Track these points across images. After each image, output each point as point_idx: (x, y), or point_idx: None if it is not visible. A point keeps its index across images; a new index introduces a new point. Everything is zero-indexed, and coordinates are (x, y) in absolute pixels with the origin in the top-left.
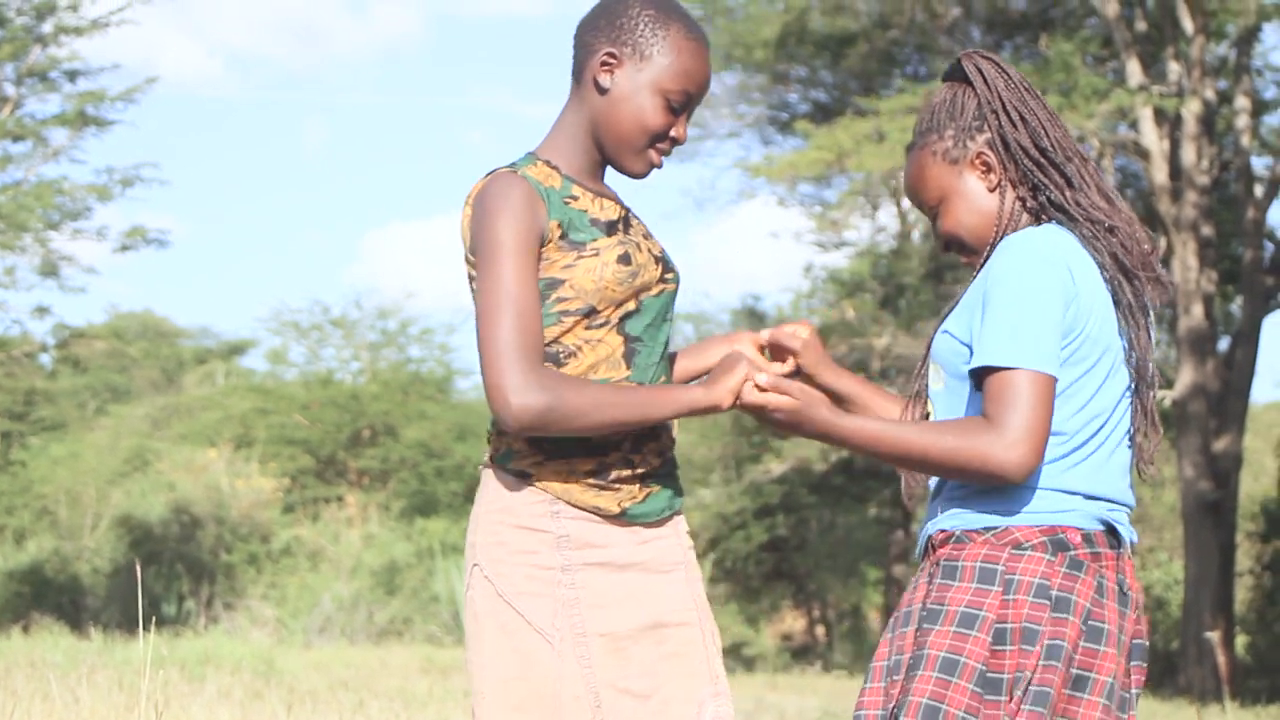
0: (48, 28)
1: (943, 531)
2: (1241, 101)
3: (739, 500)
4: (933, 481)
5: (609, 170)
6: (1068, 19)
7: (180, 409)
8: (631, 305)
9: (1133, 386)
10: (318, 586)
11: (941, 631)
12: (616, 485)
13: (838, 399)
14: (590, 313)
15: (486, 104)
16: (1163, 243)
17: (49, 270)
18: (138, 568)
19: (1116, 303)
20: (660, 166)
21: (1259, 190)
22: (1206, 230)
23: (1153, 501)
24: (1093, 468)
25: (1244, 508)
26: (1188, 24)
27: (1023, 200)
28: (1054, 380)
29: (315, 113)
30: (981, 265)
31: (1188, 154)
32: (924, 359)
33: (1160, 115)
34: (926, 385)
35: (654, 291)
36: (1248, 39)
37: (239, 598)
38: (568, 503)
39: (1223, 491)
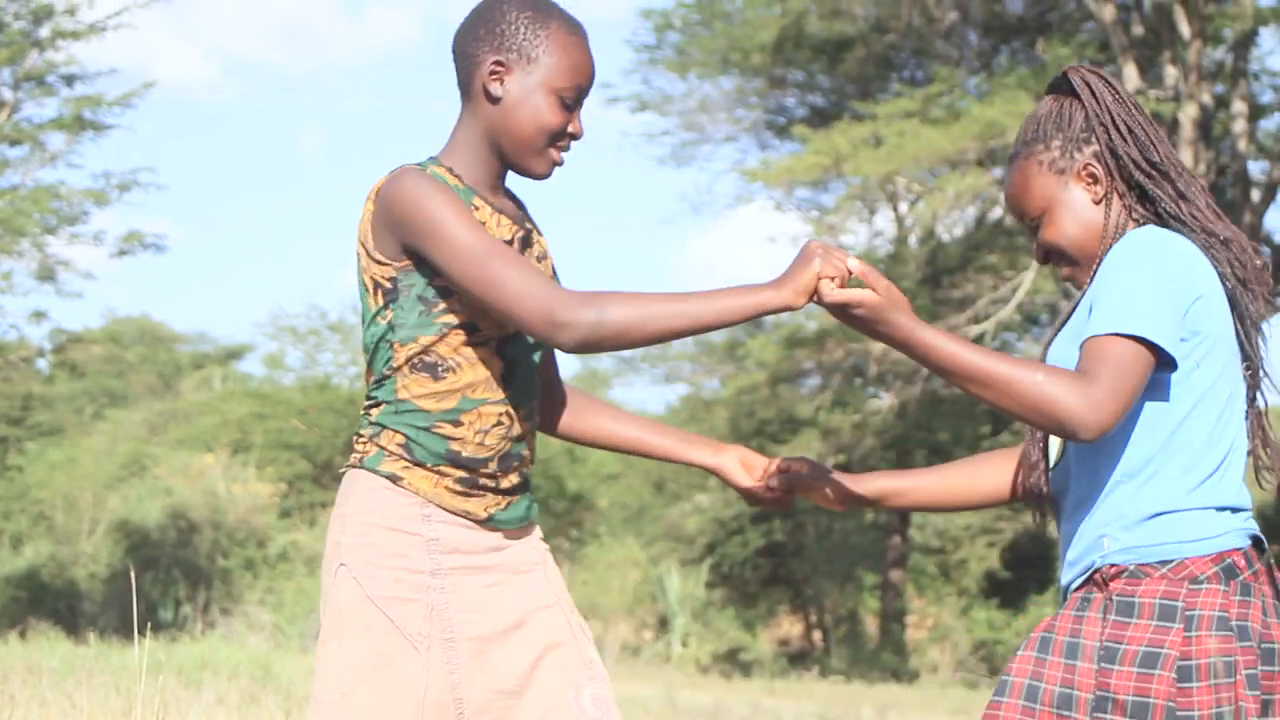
0: (45, 32)
1: (1114, 566)
2: (1238, 106)
3: (736, 505)
4: (1075, 492)
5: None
6: (1064, 23)
7: (177, 414)
8: (510, 328)
9: (1249, 398)
10: (314, 592)
11: (1123, 673)
12: (482, 493)
13: (871, 504)
14: (473, 329)
15: None
16: None
17: (46, 275)
18: (132, 574)
19: (1235, 311)
20: (561, 164)
21: (1256, 194)
22: None
23: None
24: (1232, 478)
25: None
26: (1184, 28)
27: (1129, 210)
28: (1157, 352)
29: (312, 117)
30: (1091, 278)
31: (1184, 158)
32: (1044, 357)
33: (1157, 120)
34: None
35: None
36: (1244, 43)
37: (236, 603)
38: (438, 506)
39: None
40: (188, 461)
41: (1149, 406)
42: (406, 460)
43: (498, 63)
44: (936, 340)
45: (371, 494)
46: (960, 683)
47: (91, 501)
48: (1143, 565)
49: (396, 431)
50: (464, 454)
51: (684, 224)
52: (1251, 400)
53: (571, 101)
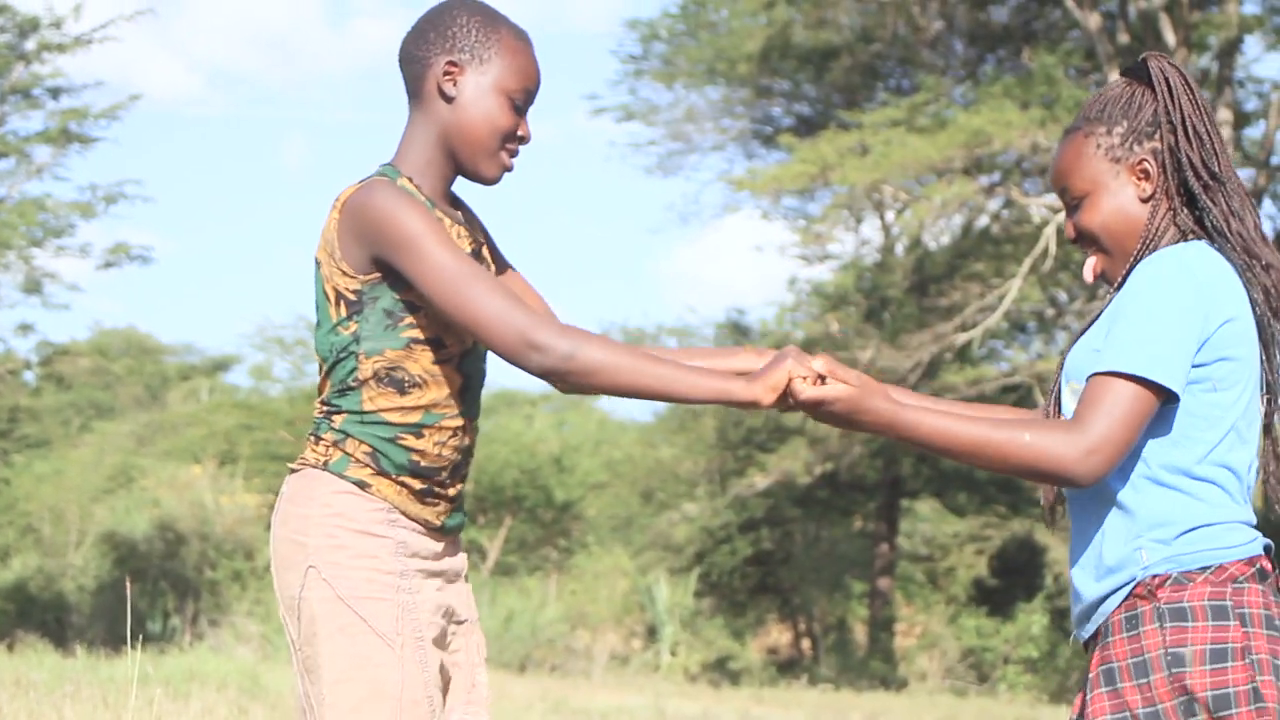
0: (31, 45)
1: (1156, 576)
2: (1223, 113)
3: (724, 514)
4: (1094, 502)
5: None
6: (1050, 32)
7: (164, 426)
8: (469, 342)
9: (1266, 424)
10: None
11: (1197, 673)
12: (436, 500)
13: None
14: (438, 345)
15: None
16: None
17: (32, 287)
18: (128, 585)
19: (1261, 337)
20: (510, 169)
21: None
22: None
23: None
24: (1248, 496)
25: None
26: (1170, 36)
27: (1174, 214)
28: (1161, 395)
29: (296, 129)
30: (1123, 280)
31: None
32: (1057, 377)
33: None
34: (1058, 403)
35: None
36: (1229, 51)
37: (224, 614)
38: (402, 512)
39: None
40: (175, 473)
41: (1183, 423)
42: (373, 468)
43: (451, 63)
44: (920, 420)
45: (339, 498)
46: (948, 690)
47: (79, 513)
48: (1185, 572)
49: (362, 441)
50: (423, 464)
51: (671, 233)
52: (1267, 427)
53: (520, 104)
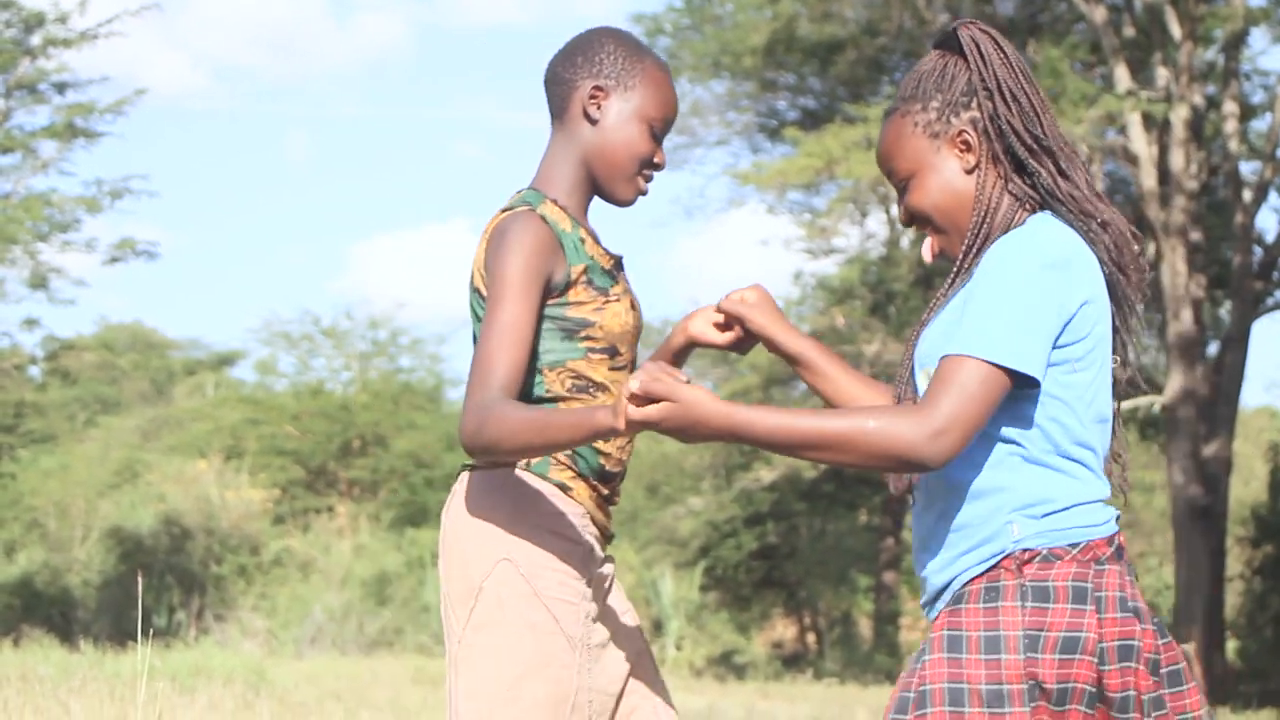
0: (36, 40)
1: (1027, 550)
2: (1229, 106)
3: (729, 508)
4: (957, 479)
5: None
6: (1056, 24)
7: (170, 420)
8: (633, 351)
9: (1114, 392)
10: (308, 597)
11: (1047, 660)
12: (610, 508)
13: (791, 360)
14: (613, 353)
15: (472, 115)
16: (1151, 248)
17: (38, 282)
18: (139, 580)
19: (1113, 298)
20: (646, 194)
21: (1247, 195)
22: (1195, 235)
23: (1143, 507)
24: (1102, 474)
25: (1234, 513)
26: (1175, 29)
27: (1005, 181)
28: (1013, 378)
29: (302, 124)
30: (963, 261)
31: (1176, 159)
32: (909, 364)
33: (1149, 120)
34: (914, 389)
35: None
36: (1235, 44)
37: (230, 609)
38: (592, 519)
39: (1213, 497)
40: (181, 468)
41: (1048, 404)
42: (573, 470)
43: (597, 88)
44: (758, 417)
45: (542, 499)
46: None
47: (84, 508)
48: (1054, 549)
49: None
50: (608, 468)
51: (676, 227)
52: (1116, 395)
53: (659, 132)
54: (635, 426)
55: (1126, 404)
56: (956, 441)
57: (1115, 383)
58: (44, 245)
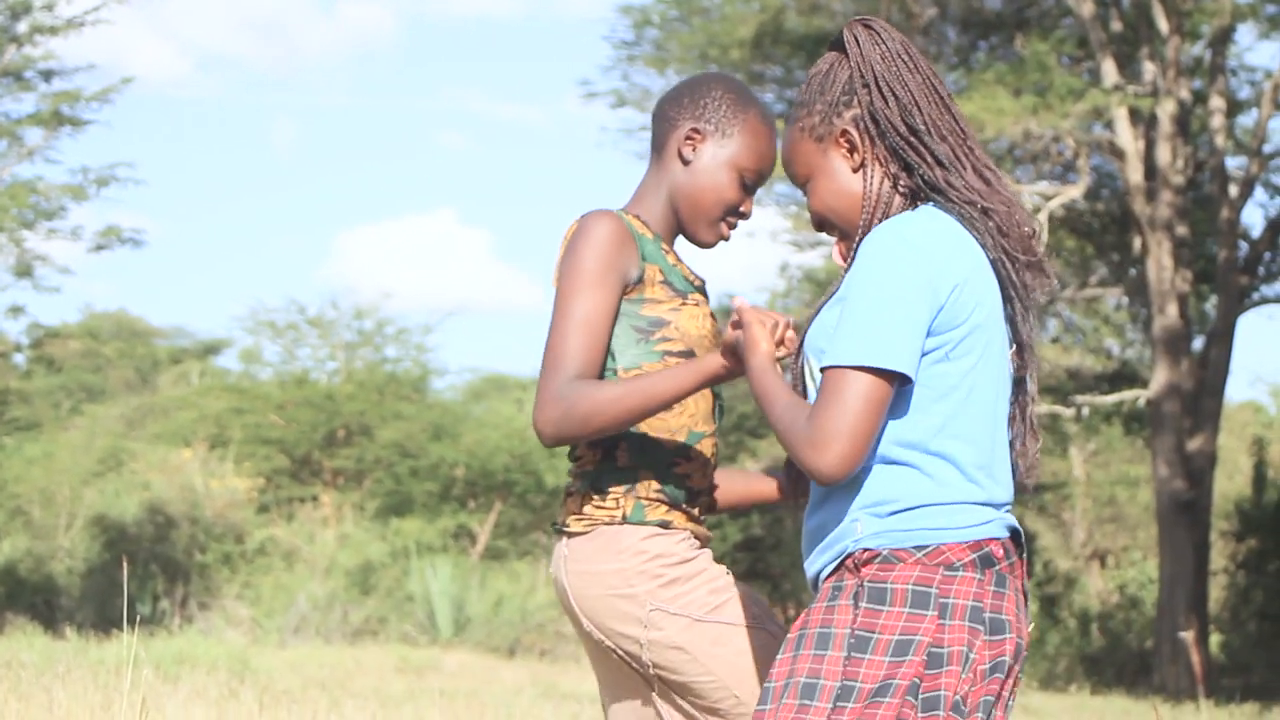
0: (22, 27)
1: (867, 550)
2: (1216, 101)
3: None
4: (833, 491)
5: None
6: (1043, 19)
7: (155, 409)
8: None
9: (1014, 382)
10: (293, 586)
11: (874, 662)
12: (704, 521)
13: None
14: (690, 355)
15: (458, 105)
16: (1138, 242)
17: (23, 270)
18: (124, 568)
19: (1003, 288)
20: (728, 239)
21: (1233, 190)
22: (1181, 230)
23: (1128, 501)
24: (997, 472)
25: (1218, 507)
26: (1163, 24)
27: (894, 180)
28: (895, 379)
29: (288, 113)
30: (855, 253)
31: (1163, 154)
32: (800, 351)
33: (1135, 115)
34: (803, 383)
35: None
36: (1222, 39)
37: (214, 597)
38: (696, 537)
39: (1197, 491)
40: (165, 456)
41: (913, 395)
42: (666, 504)
43: (694, 130)
44: (766, 380)
45: (648, 542)
46: None
47: (69, 496)
48: (896, 550)
49: (649, 478)
50: (695, 488)
51: None
52: (1019, 385)
53: (750, 184)
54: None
55: (1112, 397)
56: (846, 454)
57: (1022, 375)
58: (29, 233)
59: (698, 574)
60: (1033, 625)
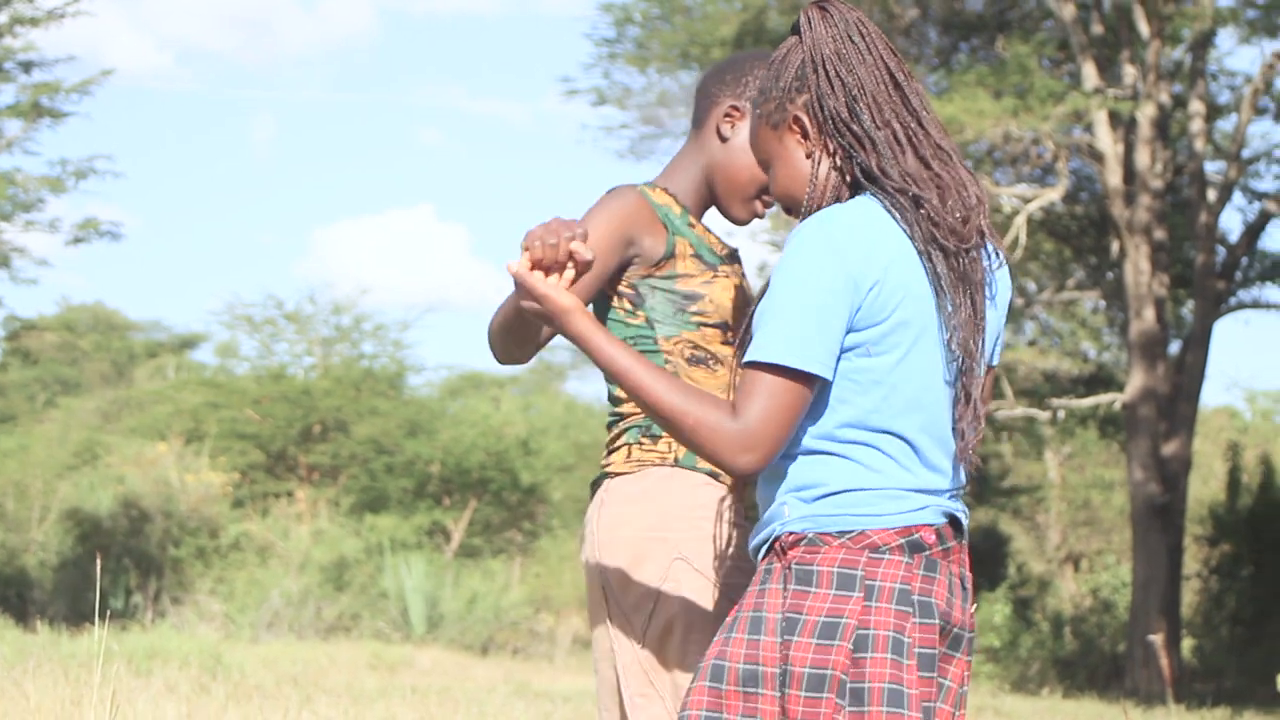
0: (3, 18)
1: (793, 534)
2: (1196, 106)
3: None
4: (767, 475)
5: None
6: (1024, 21)
7: (130, 402)
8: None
9: (954, 368)
10: (266, 582)
11: (802, 644)
12: (746, 488)
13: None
14: (724, 328)
15: (438, 101)
16: (1115, 246)
17: (0, 262)
18: (98, 563)
19: (930, 278)
20: (762, 216)
21: (1212, 194)
22: (1159, 234)
23: (1102, 504)
24: (933, 460)
25: (1192, 511)
26: (1143, 28)
27: (839, 168)
28: (813, 379)
29: (267, 108)
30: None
31: (1142, 157)
32: (746, 327)
33: (1115, 119)
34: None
35: None
36: (1202, 44)
37: (187, 592)
38: (737, 497)
39: (1171, 495)
40: (140, 450)
41: (836, 386)
42: None
43: (734, 107)
44: (611, 351)
45: (698, 490)
46: None
47: (42, 489)
48: (822, 534)
49: None
50: None
51: None
52: (958, 374)
53: None
54: (521, 294)
55: (1088, 401)
56: (769, 454)
57: (962, 361)
58: (7, 224)
59: (733, 542)
60: (975, 608)
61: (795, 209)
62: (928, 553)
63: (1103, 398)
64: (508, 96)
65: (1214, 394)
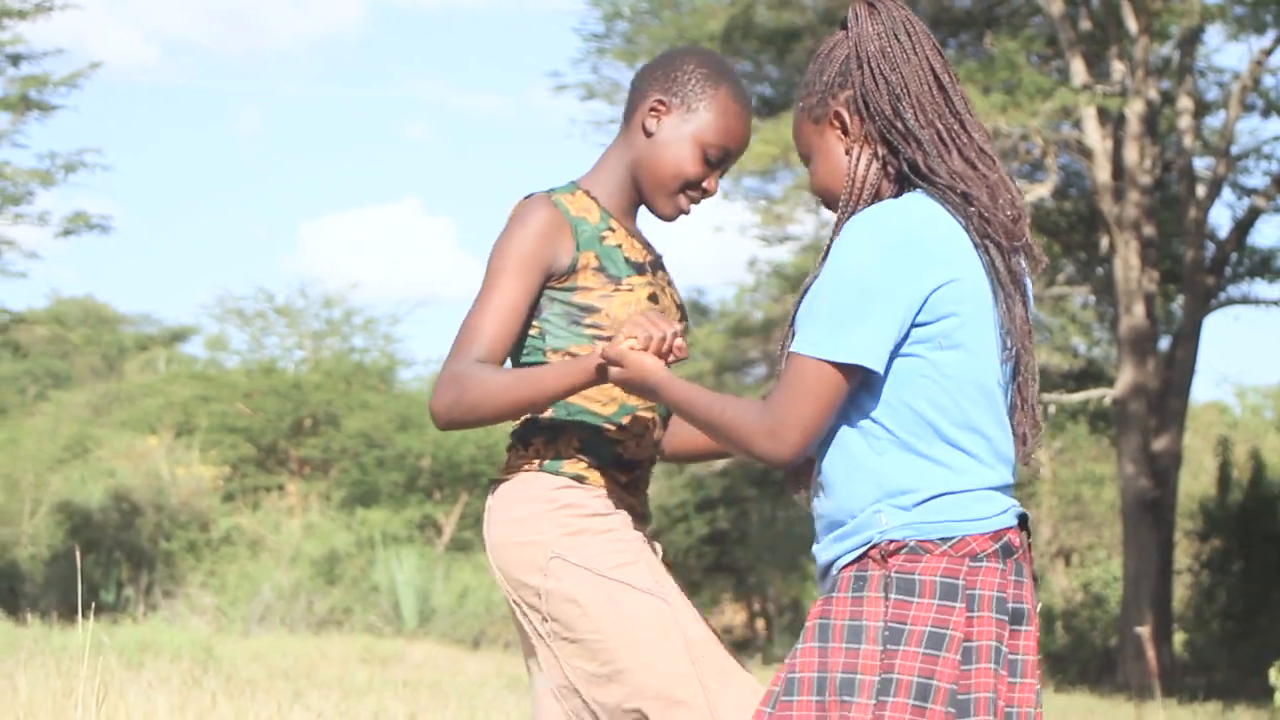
0: None
1: (893, 541)
2: (1184, 102)
3: (680, 493)
4: (837, 465)
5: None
6: (1013, 17)
7: (121, 396)
8: None
9: (1011, 369)
10: (258, 575)
11: (909, 653)
12: (639, 493)
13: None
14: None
15: (425, 96)
16: (1105, 241)
17: None
18: (78, 555)
19: (988, 275)
20: (688, 213)
21: (1200, 190)
22: (1148, 230)
23: (1093, 499)
24: (1004, 452)
25: (1183, 506)
26: (1132, 24)
27: (883, 163)
28: (850, 371)
29: (254, 101)
30: (834, 235)
31: (1130, 154)
32: (789, 327)
33: (1104, 115)
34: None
35: None
36: (1191, 40)
37: (178, 585)
38: (615, 502)
39: (1162, 490)
40: (131, 443)
41: (911, 383)
42: (586, 461)
43: (660, 102)
44: (678, 386)
45: (560, 492)
46: None
47: (33, 483)
48: (923, 541)
49: (572, 435)
50: (625, 456)
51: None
52: (1016, 372)
53: (715, 159)
54: (603, 371)
55: (1078, 396)
56: (796, 440)
57: (1018, 364)
58: None
59: (606, 531)
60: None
61: (832, 203)
62: (1015, 556)
63: (1093, 393)
64: (495, 91)
65: (1204, 389)
